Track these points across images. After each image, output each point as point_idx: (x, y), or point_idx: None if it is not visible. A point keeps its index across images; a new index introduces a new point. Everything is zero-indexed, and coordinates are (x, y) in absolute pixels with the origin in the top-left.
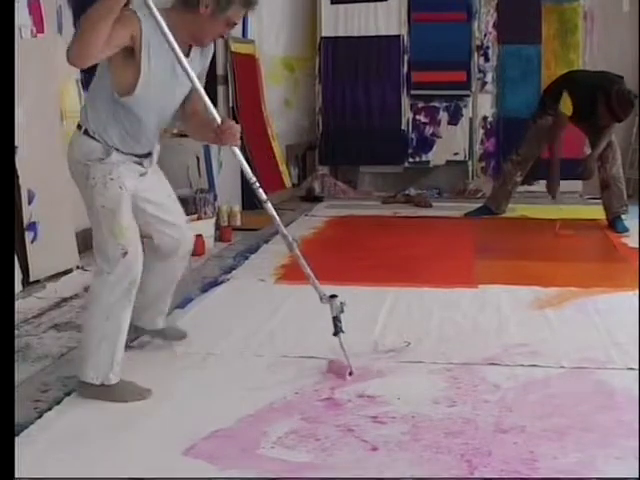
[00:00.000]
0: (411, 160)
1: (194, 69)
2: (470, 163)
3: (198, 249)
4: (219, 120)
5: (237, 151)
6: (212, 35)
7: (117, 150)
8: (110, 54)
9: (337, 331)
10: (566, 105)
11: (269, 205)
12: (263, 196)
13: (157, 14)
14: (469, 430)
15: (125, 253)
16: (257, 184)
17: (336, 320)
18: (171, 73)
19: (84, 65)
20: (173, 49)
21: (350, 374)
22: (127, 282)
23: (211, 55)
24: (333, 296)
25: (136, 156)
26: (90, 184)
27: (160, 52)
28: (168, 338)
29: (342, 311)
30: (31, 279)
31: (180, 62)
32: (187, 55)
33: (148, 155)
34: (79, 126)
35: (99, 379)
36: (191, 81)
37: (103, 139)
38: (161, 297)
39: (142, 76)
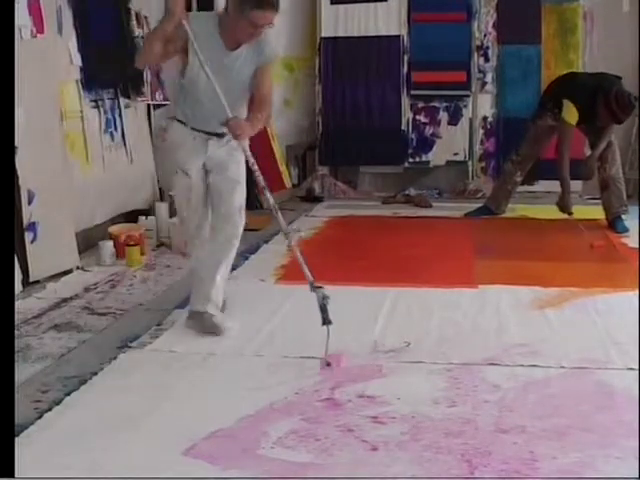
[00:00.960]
0: (411, 160)
1: (243, 65)
2: (470, 163)
3: None
4: (229, 114)
5: (245, 145)
6: (242, 35)
7: (182, 123)
8: (168, 59)
9: (324, 321)
10: (570, 114)
11: (268, 193)
12: (262, 183)
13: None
14: (469, 430)
15: (182, 221)
16: (258, 171)
17: (322, 310)
18: (216, 63)
19: (144, 67)
20: (196, 52)
21: (328, 365)
22: (191, 239)
23: (269, 51)
24: (319, 287)
25: (205, 133)
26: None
27: (204, 46)
28: (203, 327)
29: (325, 303)
30: (31, 279)
31: (201, 64)
32: (232, 50)
33: (216, 135)
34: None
35: (193, 306)
36: (206, 74)
37: (176, 114)
38: (206, 281)
39: (189, 66)
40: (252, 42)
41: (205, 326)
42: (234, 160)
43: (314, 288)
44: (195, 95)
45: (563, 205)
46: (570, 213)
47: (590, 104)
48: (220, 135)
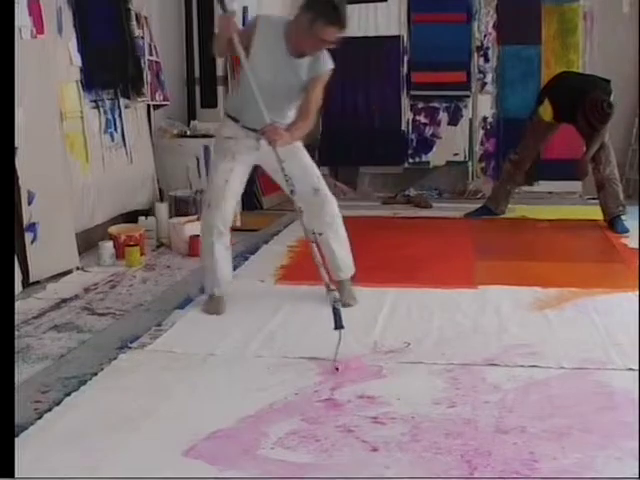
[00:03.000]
0: (411, 161)
1: (301, 73)
2: (470, 164)
3: (198, 250)
4: (268, 120)
5: (277, 152)
6: (308, 47)
7: (234, 120)
8: (234, 52)
9: (336, 325)
10: (545, 110)
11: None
12: (292, 187)
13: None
14: (469, 431)
15: (209, 205)
16: (288, 175)
17: (334, 313)
18: (272, 66)
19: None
20: (239, 52)
21: (337, 369)
22: (209, 228)
23: (325, 64)
24: (332, 290)
25: (249, 129)
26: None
27: (266, 48)
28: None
29: (337, 306)
30: (31, 280)
31: (242, 60)
32: (297, 57)
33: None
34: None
35: (210, 291)
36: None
37: (229, 111)
38: (332, 255)
39: (250, 60)
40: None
41: (350, 291)
42: (292, 154)
43: (329, 290)
44: (249, 94)
45: (581, 169)
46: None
47: (568, 105)
48: None
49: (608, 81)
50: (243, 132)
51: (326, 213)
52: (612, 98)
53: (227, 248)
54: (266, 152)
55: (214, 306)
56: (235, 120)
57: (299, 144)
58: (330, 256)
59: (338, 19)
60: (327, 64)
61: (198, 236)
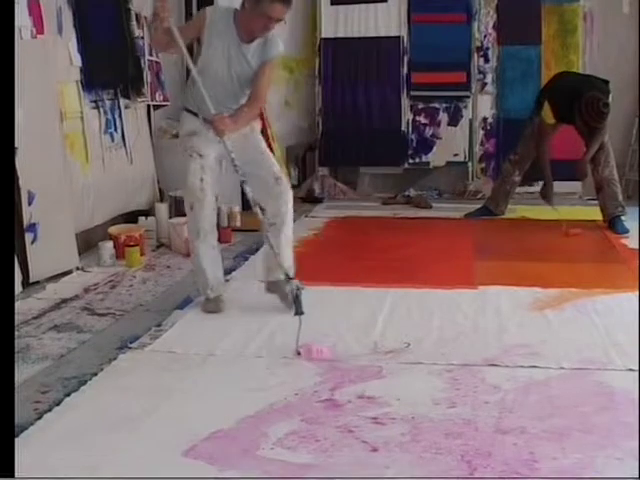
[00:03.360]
0: (411, 161)
1: (252, 59)
2: (470, 164)
3: None
4: (213, 111)
5: (227, 143)
6: (257, 28)
7: (195, 114)
8: (185, 43)
9: (296, 312)
10: (547, 113)
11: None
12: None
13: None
14: (469, 431)
15: (191, 208)
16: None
17: (295, 301)
18: (225, 55)
19: (161, 51)
20: (181, 49)
21: (298, 354)
22: (196, 230)
23: (274, 49)
24: (291, 279)
25: (209, 122)
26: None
27: (219, 37)
28: (281, 293)
29: (298, 294)
30: (31, 280)
31: (186, 57)
32: (248, 42)
33: None
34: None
35: (204, 294)
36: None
37: (188, 105)
38: (272, 253)
39: (202, 53)
40: (263, 37)
41: (285, 292)
42: (250, 143)
43: (288, 279)
44: (205, 85)
45: (545, 195)
46: (549, 203)
47: (566, 106)
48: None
49: (607, 81)
50: (204, 126)
51: (284, 202)
52: (610, 98)
53: (214, 247)
54: (231, 143)
55: (213, 305)
56: (194, 114)
57: (257, 131)
58: (275, 250)
59: None
60: (277, 48)
61: None
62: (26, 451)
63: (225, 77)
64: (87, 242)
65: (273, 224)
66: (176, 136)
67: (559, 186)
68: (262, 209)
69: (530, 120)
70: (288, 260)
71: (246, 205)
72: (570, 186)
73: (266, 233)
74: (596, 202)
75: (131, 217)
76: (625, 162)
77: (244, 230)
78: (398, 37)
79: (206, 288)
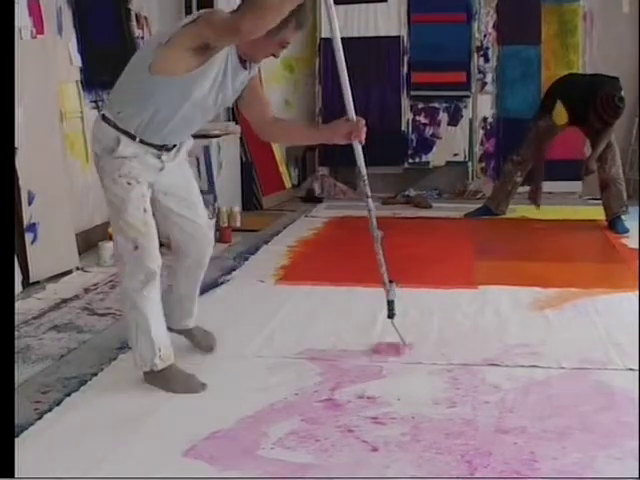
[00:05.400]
0: (411, 161)
1: (243, 83)
2: (470, 164)
3: None
4: (354, 117)
5: (358, 147)
6: (265, 54)
7: (132, 138)
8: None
9: (390, 314)
10: (560, 115)
11: (370, 201)
12: (368, 192)
13: None
14: (469, 431)
15: (136, 247)
16: (366, 180)
17: (390, 305)
18: (218, 79)
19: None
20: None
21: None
22: (142, 275)
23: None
24: (392, 282)
25: (154, 147)
26: (101, 176)
27: (213, 64)
28: (195, 340)
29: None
30: (31, 280)
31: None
32: (244, 68)
33: (170, 149)
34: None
35: (146, 366)
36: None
37: (120, 124)
38: (186, 298)
39: (200, 71)
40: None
41: (198, 339)
42: (185, 173)
43: (389, 283)
44: (179, 106)
45: (534, 197)
46: (537, 205)
47: (581, 106)
48: (171, 148)
49: (617, 78)
50: (142, 149)
51: (203, 249)
52: (622, 93)
53: (159, 292)
54: (166, 172)
55: (165, 381)
56: (131, 136)
57: (189, 169)
58: (186, 297)
59: (307, 21)
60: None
61: None
62: (26, 451)
63: (209, 102)
64: (87, 242)
65: (192, 268)
66: None
67: (560, 186)
68: (167, 246)
69: (534, 122)
70: (195, 306)
71: (246, 205)
72: (570, 186)
73: (176, 274)
74: (596, 202)
75: None
76: (625, 161)
77: (244, 230)
78: (398, 37)
79: (153, 357)
